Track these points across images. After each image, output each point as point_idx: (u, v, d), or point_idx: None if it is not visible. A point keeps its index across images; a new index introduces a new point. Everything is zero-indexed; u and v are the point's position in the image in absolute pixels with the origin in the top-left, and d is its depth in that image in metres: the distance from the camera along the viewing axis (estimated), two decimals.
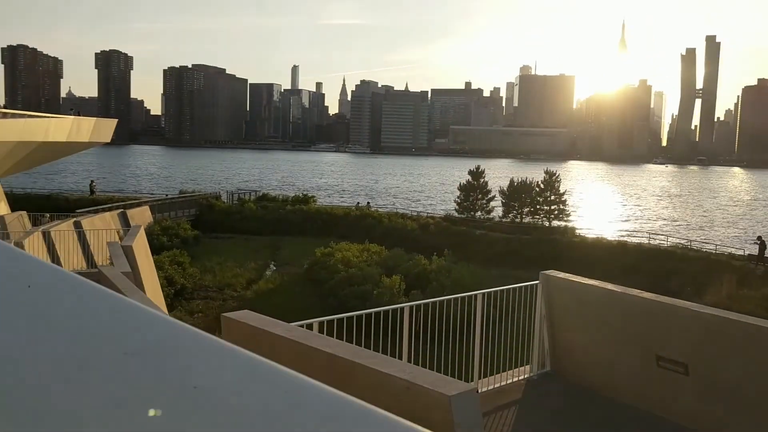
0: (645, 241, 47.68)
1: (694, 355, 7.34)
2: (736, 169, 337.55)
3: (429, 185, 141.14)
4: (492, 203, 54.57)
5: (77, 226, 27.57)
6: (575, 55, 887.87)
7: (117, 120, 44.41)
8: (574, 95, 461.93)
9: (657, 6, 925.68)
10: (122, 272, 12.64)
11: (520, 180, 53.75)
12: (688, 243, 48.06)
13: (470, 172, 55.71)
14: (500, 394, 8.33)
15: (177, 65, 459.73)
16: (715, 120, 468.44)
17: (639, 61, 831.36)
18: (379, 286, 29.95)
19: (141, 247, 18.32)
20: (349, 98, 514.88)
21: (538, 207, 52.34)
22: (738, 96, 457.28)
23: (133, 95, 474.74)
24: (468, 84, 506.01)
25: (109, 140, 41.63)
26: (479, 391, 6.99)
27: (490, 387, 8.40)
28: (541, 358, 9.12)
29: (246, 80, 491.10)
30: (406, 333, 7.66)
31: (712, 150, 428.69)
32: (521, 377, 8.89)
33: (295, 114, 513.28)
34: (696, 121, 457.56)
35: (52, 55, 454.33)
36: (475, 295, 8.50)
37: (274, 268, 40.45)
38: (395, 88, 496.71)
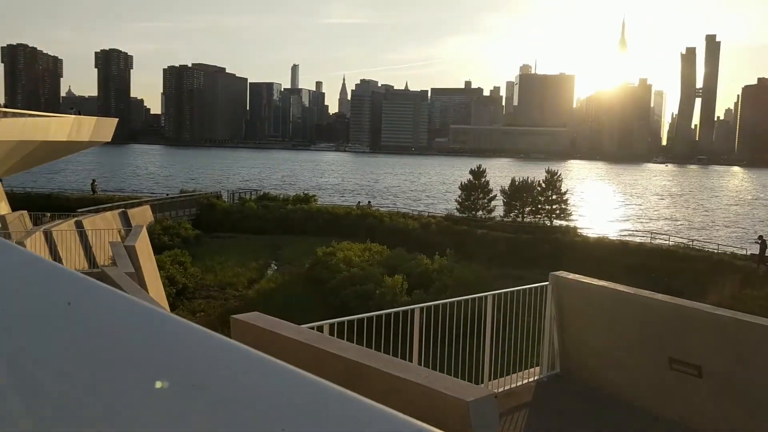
0: (647, 240, 47.62)
1: (708, 357, 7.24)
2: (736, 168, 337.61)
3: (430, 184, 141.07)
4: (493, 202, 54.47)
5: (78, 225, 27.48)
6: (575, 54, 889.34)
7: (118, 119, 44.29)
8: (574, 94, 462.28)
9: (657, 5, 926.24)
10: (126, 273, 12.55)
11: (521, 179, 53.63)
12: (690, 242, 48.00)
13: (471, 172, 55.60)
14: (510, 396, 8.25)
15: (177, 64, 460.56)
16: (715, 119, 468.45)
17: (639, 60, 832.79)
18: (381, 286, 29.80)
19: (144, 247, 18.24)
20: (349, 97, 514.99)
21: (539, 206, 52.22)
22: (738, 95, 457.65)
23: (132, 94, 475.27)
24: (468, 83, 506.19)
25: (109, 139, 41.52)
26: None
27: (500, 389, 8.31)
28: (551, 360, 9.03)
29: (246, 79, 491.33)
30: (416, 335, 7.57)
31: (712, 149, 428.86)
32: (531, 379, 8.81)
33: (295, 113, 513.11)
34: (696, 120, 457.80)
35: (52, 54, 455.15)
36: (485, 297, 8.42)
37: (276, 267, 40.36)
38: (395, 88, 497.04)
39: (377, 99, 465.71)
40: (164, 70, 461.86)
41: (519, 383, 8.61)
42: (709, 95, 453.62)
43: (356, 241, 39.49)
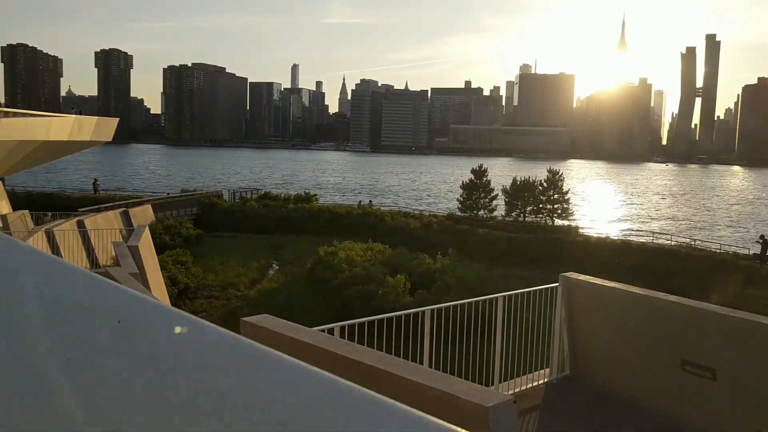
0: (649, 240, 47.54)
1: (721, 359, 7.15)
2: (736, 168, 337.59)
3: (430, 184, 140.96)
4: (495, 202, 54.40)
5: (80, 225, 27.41)
6: (575, 53, 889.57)
7: (118, 119, 44.19)
8: (574, 94, 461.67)
9: (657, 5, 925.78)
10: (129, 273, 12.46)
11: (522, 178, 53.56)
12: (692, 242, 47.90)
13: (473, 171, 55.55)
14: (520, 398, 8.16)
15: (177, 64, 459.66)
16: (715, 119, 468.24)
17: (639, 59, 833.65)
18: (383, 286, 29.67)
19: (146, 247, 18.16)
20: (349, 97, 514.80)
21: (541, 206, 52.16)
22: (738, 95, 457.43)
23: (132, 94, 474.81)
24: (468, 83, 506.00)
25: (110, 139, 41.40)
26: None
27: (511, 391, 8.24)
28: (561, 362, 8.95)
29: (246, 79, 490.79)
30: (427, 337, 7.49)
31: (712, 149, 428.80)
32: (541, 381, 8.73)
33: (295, 113, 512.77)
34: (696, 119, 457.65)
35: (52, 54, 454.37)
36: (496, 299, 8.35)
37: (277, 267, 40.29)
38: (395, 87, 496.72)
39: (377, 99, 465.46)
40: (164, 69, 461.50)
41: (529, 385, 8.54)
42: (709, 95, 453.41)
43: (357, 240, 39.41)
